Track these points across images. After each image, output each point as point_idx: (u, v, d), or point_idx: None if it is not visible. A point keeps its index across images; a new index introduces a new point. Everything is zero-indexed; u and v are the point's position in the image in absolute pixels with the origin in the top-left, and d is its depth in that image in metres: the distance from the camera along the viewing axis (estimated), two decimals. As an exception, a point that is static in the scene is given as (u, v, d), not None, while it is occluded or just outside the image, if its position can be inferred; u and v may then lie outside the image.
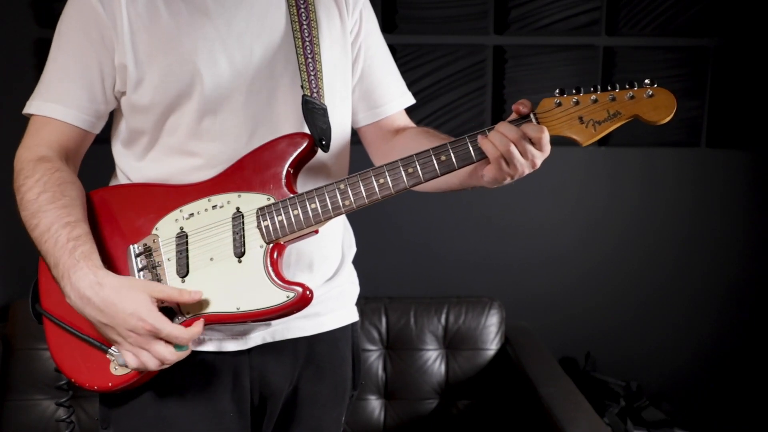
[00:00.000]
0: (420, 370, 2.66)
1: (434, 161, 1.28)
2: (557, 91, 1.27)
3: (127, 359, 1.25)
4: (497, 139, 1.24)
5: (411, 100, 1.60)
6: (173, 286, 1.29)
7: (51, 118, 1.35)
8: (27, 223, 1.31)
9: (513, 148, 1.24)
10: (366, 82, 1.53)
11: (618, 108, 1.26)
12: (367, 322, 2.67)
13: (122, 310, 1.21)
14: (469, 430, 2.64)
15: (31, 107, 1.37)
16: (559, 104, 1.27)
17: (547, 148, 1.26)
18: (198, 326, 1.26)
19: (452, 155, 1.28)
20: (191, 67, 1.32)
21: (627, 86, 1.26)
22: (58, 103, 1.35)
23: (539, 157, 1.26)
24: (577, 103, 1.26)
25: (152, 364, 1.23)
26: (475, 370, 2.66)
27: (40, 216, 1.28)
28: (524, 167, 1.26)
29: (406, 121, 1.59)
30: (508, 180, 1.28)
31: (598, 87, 1.27)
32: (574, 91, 1.27)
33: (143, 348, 1.23)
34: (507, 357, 2.65)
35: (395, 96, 1.56)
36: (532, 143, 1.25)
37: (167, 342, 1.23)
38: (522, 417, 2.51)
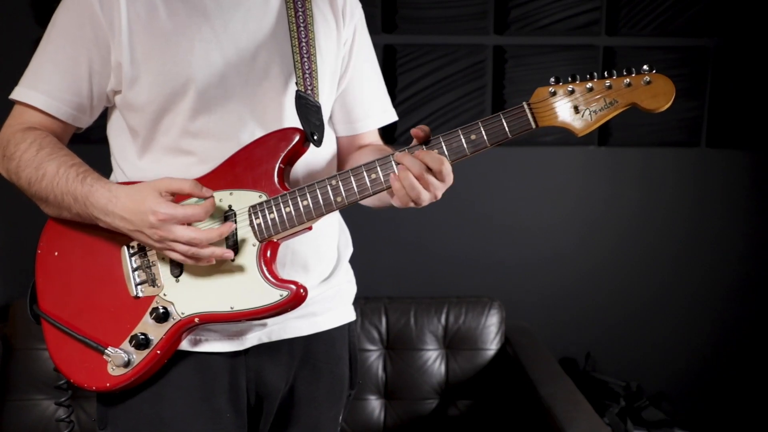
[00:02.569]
0: (420, 370, 2.66)
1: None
2: (552, 79, 1.24)
3: (170, 256, 1.28)
4: (403, 176, 1.24)
5: (391, 118, 1.60)
6: (186, 179, 1.29)
7: (33, 106, 1.36)
8: (31, 179, 1.33)
9: (417, 185, 1.24)
10: (350, 96, 1.53)
11: (615, 96, 1.22)
12: (367, 322, 2.67)
13: (139, 212, 1.25)
14: (469, 430, 2.64)
15: (16, 93, 1.38)
16: (554, 93, 1.23)
17: (450, 178, 1.25)
18: (209, 201, 1.27)
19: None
20: (186, 66, 1.32)
21: (624, 73, 1.22)
22: (43, 93, 1.36)
23: (440, 189, 1.26)
24: (572, 91, 1.23)
25: (187, 250, 1.25)
26: (475, 370, 2.66)
27: (44, 167, 1.32)
28: (426, 200, 1.26)
29: (374, 138, 1.59)
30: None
31: (595, 74, 1.23)
32: (569, 79, 1.23)
33: (170, 239, 1.25)
34: (507, 357, 2.65)
35: (374, 114, 1.56)
36: (433, 174, 1.24)
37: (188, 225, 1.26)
38: (522, 417, 2.51)
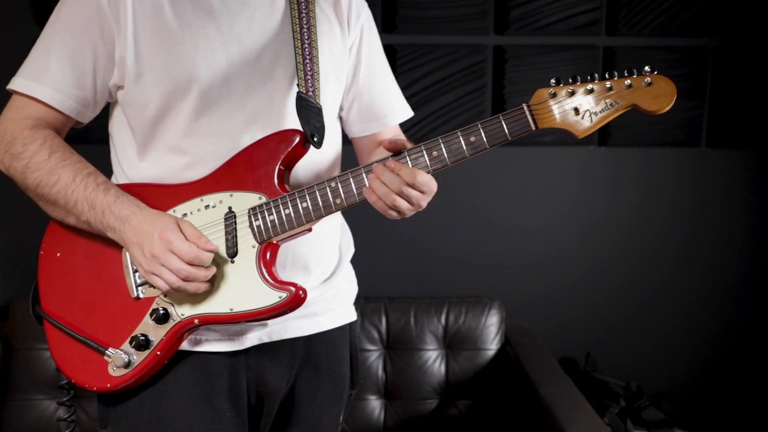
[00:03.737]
0: (420, 370, 2.66)
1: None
2: (552, 80, 1.23)
3: (154, 283, 1.29)
4: (381, 191, 1.25)
5: (407, 114, 1.61)
6: (198, 232, 1.30)
7: (36, 98, 1.35)
8: (42, 182, 1.32)
9: (399, 201, 1.25)
10: (364, 97, 1.54)
11: (615, 97, 1.21)
12: (367, 322, 2.67)
13: (151, 229, 1.28)
14: (469, 430, 2.64)
15: (17, 85, 1.36)
16: (554, 95, 1.23)
17: (429, 188, 1.25)
18: (208, 254, 1.28)
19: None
20: (191, 65, 1.33)
21: (625, 74, 1.21)
22: (47, 85, 1.34)
23: (423, 200, 1.27)
24: (572, 93, 1.22)
25: (172, 279, 1.26)
26: (475, 370, 2.66)
27: (59, 172, 1.31)
28: (408, 211, 1.27)
29: (396, 132, 1.59)
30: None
31: (596, 76, 1.22)
32: (570, 81, 1.23)
33: (161, 262, 1.26)
34: (507, 357, 2.65)
35: (390, 112, 1.57)
36: (411, 187, 1.24)
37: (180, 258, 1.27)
38: (522, 417, 2.51)
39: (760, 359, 2.99)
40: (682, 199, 2.92)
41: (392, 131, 1.59)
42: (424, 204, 1.27)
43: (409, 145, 1.32)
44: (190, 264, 1.26)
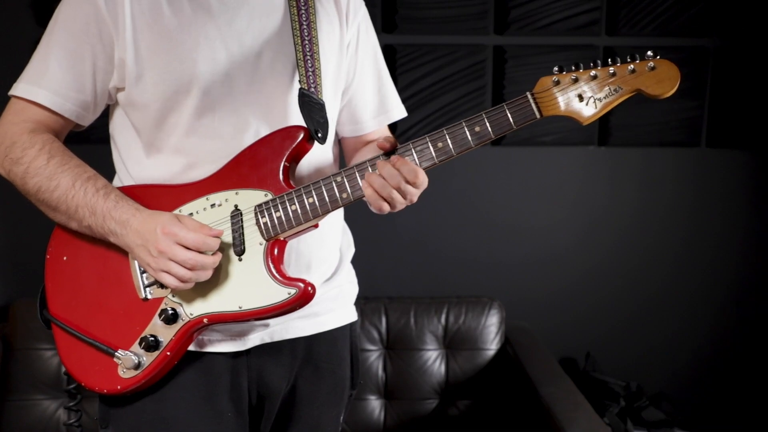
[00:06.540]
0: (420, 370, 2.66)
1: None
2: (555, 68, 1.23)
3: (164, 280, 1.28)
4: (377, 183, 1.26)
5: (399, 115, 1.59)
6: (199, 222, 1.31)
7: (35, 102, 1.35)
8: (42, 187, 1.32)
9: (395, 194, 1.26)
10: (356, 98, 1.54)
11: (619, 83, 1.20)
12: (367, 322, 2.66)
13: (152, 226, 1.27)
14: (469, 430, 2.64)
15: (18, 90, 1.36)
16: (557, 82, 1.22)
17: (425, 184, 1.28)
18: (215, 240, 1.29)
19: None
20: (191, 64, 1.32)
21: (628, 59, 1.20)
22: (46, 89, 1.34)
23: (416, 194, 1.28)
24: (575, 80, 1.21)
25: (182, 272, 1.26)
26: (475, 370, 2.66)
27: (58, 177, 1.31)
28: (400, 206, 1.29)
29: (382, 134, 1.59)
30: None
31: (599, 62, 1.22)
32: (573, 68, 1.22)
33: (168, 258, 1.26)
34: (507, 357, 2.65)
35: (380, 112, 1.56)
36: (410, 184, 1.26)
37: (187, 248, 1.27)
38: (522, 417, 2.51)
39: (760, 359, 2.99)
40: (682, 199, 2.92)
41: (377, 133, 1.58)
42: (416, 199, 1.29)
43: (399, 145, 1.32)
44: (198, 251, 1.27)
